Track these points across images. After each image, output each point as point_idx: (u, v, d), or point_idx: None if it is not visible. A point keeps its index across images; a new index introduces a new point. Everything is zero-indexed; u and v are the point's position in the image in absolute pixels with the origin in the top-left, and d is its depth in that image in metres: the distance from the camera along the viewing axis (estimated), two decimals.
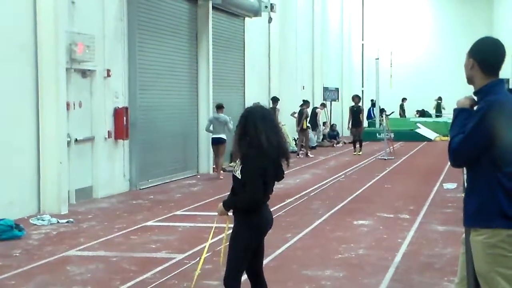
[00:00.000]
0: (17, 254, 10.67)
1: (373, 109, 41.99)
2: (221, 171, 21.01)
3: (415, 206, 14.86)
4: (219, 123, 20.70)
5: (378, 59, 34.19)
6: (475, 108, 5.03)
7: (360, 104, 31.61)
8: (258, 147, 6.15)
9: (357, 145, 29.29)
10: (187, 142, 21.83)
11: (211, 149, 21.79)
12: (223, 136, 20.66)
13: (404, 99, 45.60)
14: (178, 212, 14.52)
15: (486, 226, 4.91)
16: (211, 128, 20.93)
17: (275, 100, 28.32)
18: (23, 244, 11.39)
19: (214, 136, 20.88)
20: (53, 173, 14.36)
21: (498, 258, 4.89)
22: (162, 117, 19.94)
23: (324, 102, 34.69)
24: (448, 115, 41.40)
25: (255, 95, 25.78)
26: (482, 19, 46.29)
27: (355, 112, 29.70)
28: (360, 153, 28.82)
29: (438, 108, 44.37)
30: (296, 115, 29.57)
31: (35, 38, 14.23)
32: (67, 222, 13.34)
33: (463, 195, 5.13)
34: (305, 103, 30.28)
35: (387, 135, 29.57)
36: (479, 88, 5.05)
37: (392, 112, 40.73)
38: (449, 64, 44.87)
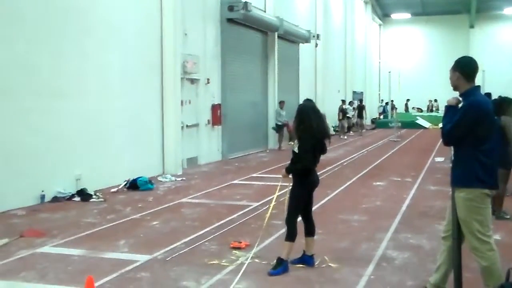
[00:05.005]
0: (150, 200, 10.91)
1: (386, 107, 41.49)
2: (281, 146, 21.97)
3: (415, 173, 14.64)
4: (279, 115, 22.05)
5: (390, 72, 33.60)
6: (459, 105, 4.99)
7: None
8: (310, 131, 6.17)
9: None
10: (260, 127, 21.90)
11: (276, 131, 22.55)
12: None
13: (408, 100, 44.85)
14: (254, 174, 14.57)
15: (466, 186, 4.89)
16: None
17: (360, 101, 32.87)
18: (153, 194, 11.64)
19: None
20: (172, 147, 14.58)
21: (473, 208, 4.87)
22: (243, 110, 20.00)
23: (352, 100, 34.27)
24: (438, 111, 40.76)
25: (305, 95, 25.54)
26: (461, 44, 45.17)
27: (344, 110, 29.18)
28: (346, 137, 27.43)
29: (430, 108, 43.80)
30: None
31: (161, 59, 14.43)
32: (181, 180, 13.54)
33: (450, 165, 5.09)
34: (343, 102, 30.17)
35: (397, 124, 29.20)
36: (463, 91, 5.01)
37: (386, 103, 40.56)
38: (439, 76, 43.87)
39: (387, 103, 41.07)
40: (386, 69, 42.43)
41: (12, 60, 9.86)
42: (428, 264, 6.35)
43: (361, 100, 33.37)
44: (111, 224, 8.76)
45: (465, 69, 5.01)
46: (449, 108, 5.03)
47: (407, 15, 47.88)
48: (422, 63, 48.58)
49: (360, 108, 31.78)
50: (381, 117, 41.60)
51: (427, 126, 35.98)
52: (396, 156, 19.57)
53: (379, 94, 47.81)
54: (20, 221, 8.95)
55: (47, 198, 10.52)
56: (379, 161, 17.76)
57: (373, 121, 40.70)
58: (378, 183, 13.08)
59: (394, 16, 48.96)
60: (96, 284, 5.61)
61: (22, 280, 6.03)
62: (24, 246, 7.40)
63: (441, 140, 5.11)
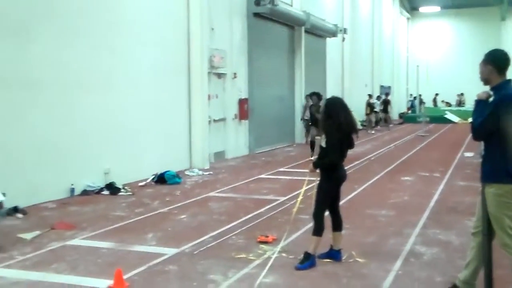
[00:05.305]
0: (178, 194, 10.99)
1: (414, 101, 41.19)
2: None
3: (444, 168, 14.46)
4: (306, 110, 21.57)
5: (418, 66, 33.27)
6: (490, 99, 4.90)
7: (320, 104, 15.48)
8: (338, 125, 6.13)
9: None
10: (286, 121, 21.86)
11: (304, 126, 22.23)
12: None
13: (436, 94, 44.26)
14: (281, 169, 14.54)
15: (496, 182, 4.80)
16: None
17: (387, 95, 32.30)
18: (181, 188, 11.73)
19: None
20: (200, 141, 14.66)
21: (503, 204, 4.79)
22: (270, 104, 19.98)
23: (379, 95, 33.96)
24: (467, 106, 40.11)
25: (332, 90, 25.57)
26: (492, 37, 44.16)
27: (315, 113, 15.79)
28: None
29: (458, 102, 43.13)
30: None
31: (188, 53, 14.52)
32: (209, 174, 13.62)
33: (480, 160, 5.02)
34: (369, 96, 29.92)
35: (425, 118, 28.90)
36: (494, 85, 4.91)
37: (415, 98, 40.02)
38: (468, 70, 43.26)
39: (415, 98, 40.73)
40: (414, 63, 42.05)
41: (43, 55, 10.01)
42: (457, 260, 6.27)
43: (387, 94, 32.99)
44: (139, 218, 8.85)
45: (497, 62, 4.91)
46: (479, 102, 4.95)
47: (436, 8, 47.11)
48: (451, 57, 47.87)
49: (385, 103, 31.41)
50: (409, 111, 41.20)
51: (456, 121, 35.51)
52: (424, 151, 19.36)
53: (407, 88, 47.33)
54: (51, 214, 9.11)
55: (77, 192, 10.69)
56: (407, 156, 17.59)
57: (401, 115, 40.32)
58: (406, 178, 12.95)
59: (422, 9, 48.24)
60: (124, 277, 5.69)
61: (53, 271, 6.13)
62: (55, 238, 7.53)
63: (470, 134, 5.04)
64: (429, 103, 42.33)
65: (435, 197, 10.56)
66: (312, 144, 16.28)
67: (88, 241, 7.38)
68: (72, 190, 10.58)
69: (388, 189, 11.51)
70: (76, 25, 10.71)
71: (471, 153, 17.24)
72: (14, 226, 8.20)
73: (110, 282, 5.60)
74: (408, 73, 48.13)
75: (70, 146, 10.60)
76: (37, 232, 7.75)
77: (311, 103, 17.17)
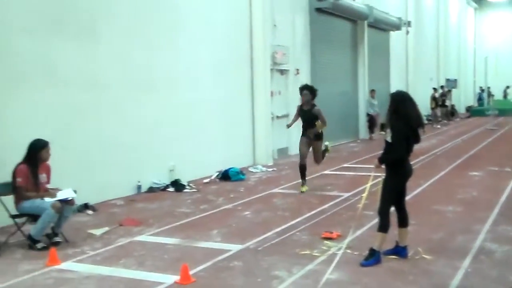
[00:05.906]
0: (242, 190, 11.05)
1: (482, 94, 39.84)
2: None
3: None
4: (371, 105, 21.75)
5: (487, 57, 32.15)
6: None
7: (315, 103, 11.31)
8: (405, 120, 6.03)
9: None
10: (350, 116, 21.59)
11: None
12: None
13: (507, 87, 42.63)
14: (345, 165, 14.40)
15: None
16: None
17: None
18: (245, 184, 11.80)
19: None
20: (263, 138, 14.68)
21: None
22: (333, 100, 19.73)
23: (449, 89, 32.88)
24: None
25: (396, 84, 25.05)
26: None
27: (306, 114, 11.11)
28: (304, 189, 10.65)
29: None
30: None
31: (251, 50, 14.55)
32: (272, 170, 13.62)
33: None
34: (434, 90, 29.15)
35: (494, 112, 27.93)
36: None
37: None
38: None
39: (483, 90, 39.46)
40: (482, 54, 40.66)
41: (108, 56, 10.25)
42: None
43: (441, 87, 31.75)
44: (204, 214, 8.95)
45: None
46: None
47: None
48: None
49: (442, 96, 30.25)
50: (478, 104, 39.95)
51: None
52: (493, 145, 18.70)
53: (474, 81, 45.84)
54: (119, 211, 9.34)
55: (143, 189, 10.91)
56: (475, 150, 17.03)
57: (468, 109, 39.13)
58: (474, 173, 12.53)
59: None
60: (190, 272, 5.75)
61: (122, 266, 6.28)
62: (122, 234, 7.72)
63: None
64: (498, 96, 40.89)
65: (506, 192, 10.15)
66: (302, 169, 10.89)
67: (155, 237, 7.52)
68: (139, 187, 10.82)
69: (456, 184, 11.18)
70: (139, 25, 10.89)
71: None
72: (84, 222, 8.47)
73: (177, 277, 5.68)
74: (476, 65, 46.59)
75: (136, 144, 10.82)
76: (106, 228, 7.97)
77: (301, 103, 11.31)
